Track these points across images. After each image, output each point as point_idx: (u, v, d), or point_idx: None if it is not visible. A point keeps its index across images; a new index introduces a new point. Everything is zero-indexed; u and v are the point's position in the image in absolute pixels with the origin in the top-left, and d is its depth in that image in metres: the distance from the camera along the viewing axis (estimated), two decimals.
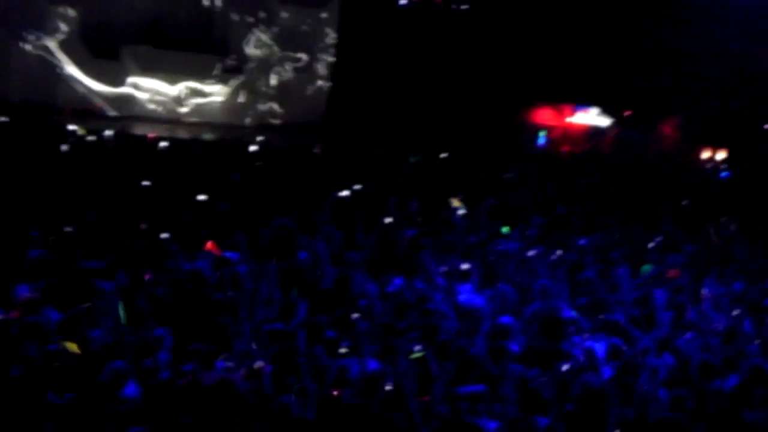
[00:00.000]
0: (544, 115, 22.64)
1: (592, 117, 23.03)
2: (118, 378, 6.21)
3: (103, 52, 18.07)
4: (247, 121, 19.27)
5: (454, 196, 12.55)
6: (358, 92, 19.96)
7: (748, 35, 20.82)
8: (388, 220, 10.55)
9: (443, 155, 16.67)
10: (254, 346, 6.86)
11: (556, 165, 17.91)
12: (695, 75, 21.42)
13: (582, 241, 11.44)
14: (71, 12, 17.70)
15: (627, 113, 22.91)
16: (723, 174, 20.28)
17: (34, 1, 17.60)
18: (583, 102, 22.77)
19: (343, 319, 7.72)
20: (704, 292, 9.27)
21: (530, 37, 21.19)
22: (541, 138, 21.93)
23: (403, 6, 21.99)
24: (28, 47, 17.58)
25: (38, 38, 17.60)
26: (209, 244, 9.12)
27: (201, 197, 11.18)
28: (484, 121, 20.22)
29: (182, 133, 16.48)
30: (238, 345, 6.98)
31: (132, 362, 6.46)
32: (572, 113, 22.92)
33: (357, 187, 12.61)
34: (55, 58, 17.76)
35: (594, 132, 22.83)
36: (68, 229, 9.39)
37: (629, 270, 10.10)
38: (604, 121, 23.00)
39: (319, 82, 19.93)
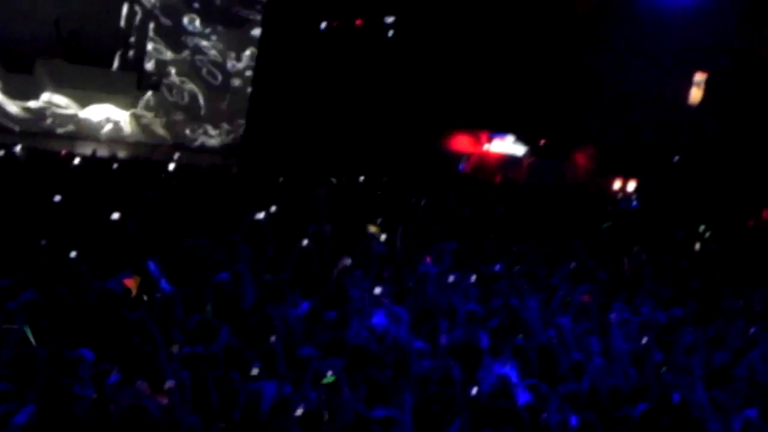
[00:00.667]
0: (461, 142, 22.90)
1: (508, 145, 23.39)
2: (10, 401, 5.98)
3: (16, 66, 17.68)
4: (163, 139, 19.03)
5: (372, 222, 12.58)
6: (277, 113, 19.93)
7: (660, 68, 21.43)
8: (305, 242, 10.50)
9: (361, 179, 16.73)
10: (168, 367, 6.73)
11: (472, 191, 18.10)
12: (608, 106, 21.94)
13: (496, 267, 11.57)
14: None
15: (541, 142, 23.32)
16: (633, 203, 20.79)
17: None
18: (499, 129, 23.11)
19: (260, 342, 7.64)
20: (613, 317, 9.43)
21: (448, 64, 21.44)
22: (458, 164, 22.17)
23: (323, 30, 22.06)
24: None
25: None
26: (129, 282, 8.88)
27: (114, 216, 10.97)
28: (401, 147, 20.36)
29: (96, 150, 16.16)
30: (151, 366, 6.84)
31: (35, 385, 6.24)
32: (489, 140, 23.24)
33: (273, 208, 12.56)
34: None
35: (509, 159, 23.18)
36: None
37: (541, 296, 10.28)
38: (520, 149, 23.37)
39: (238, 102, 19.80)
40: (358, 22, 22.53)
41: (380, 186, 16.55)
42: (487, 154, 23.15)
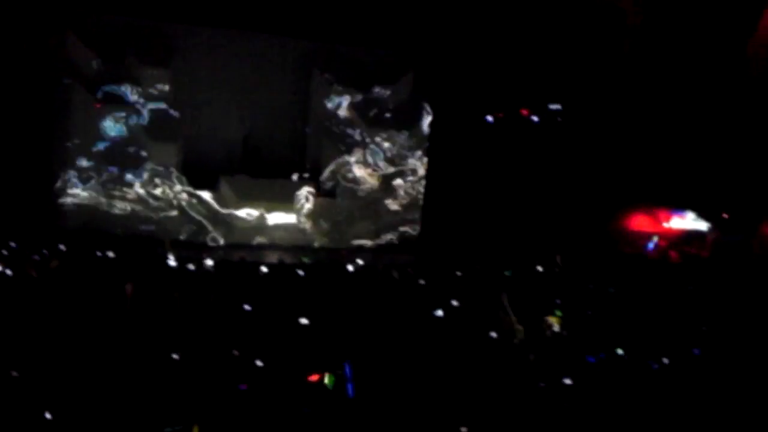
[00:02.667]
0: (640, 221, 22.37)
1: (689, 221, 22.67)
2: None
3: (203, 183, 18.60)
4: (342, 243, 19.49)
5: (551, 313, 12.42)
6: (451, 207, 20.11)
7: None
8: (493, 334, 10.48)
9: (539, 267, 16.57)
10: None
11: (658, 271, 17.63)
12: None
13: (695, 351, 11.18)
14: (172, 148, 18.29)
15: (724, 216, 22.48)
16: None
17: (140, 141, 18.21)
18: (678, 206, 22.47)
19: None
20: None
21: (624, 143, 21.17)
22: (650, 243, 21.65)
23: (490, 122, 22.24)
24: (136, 184, 18.24)
25: (140, 176, 18.24)
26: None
27: (303, 321, 11.29)
28: (580, 228, 20.11)
29: (281, 258, 16.72)
30: None
31: None
32: (669, 218, 22.61)
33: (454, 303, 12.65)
34: (155, 190, 18.34)
35: (692, 236, 22.43)
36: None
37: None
38: (702, 225, 22.59)
39: (412, 200, 20.11)
40: (524, 111, 22.60)
41: (557, 272, 16.32)
42: (669, 231, 22.50)
